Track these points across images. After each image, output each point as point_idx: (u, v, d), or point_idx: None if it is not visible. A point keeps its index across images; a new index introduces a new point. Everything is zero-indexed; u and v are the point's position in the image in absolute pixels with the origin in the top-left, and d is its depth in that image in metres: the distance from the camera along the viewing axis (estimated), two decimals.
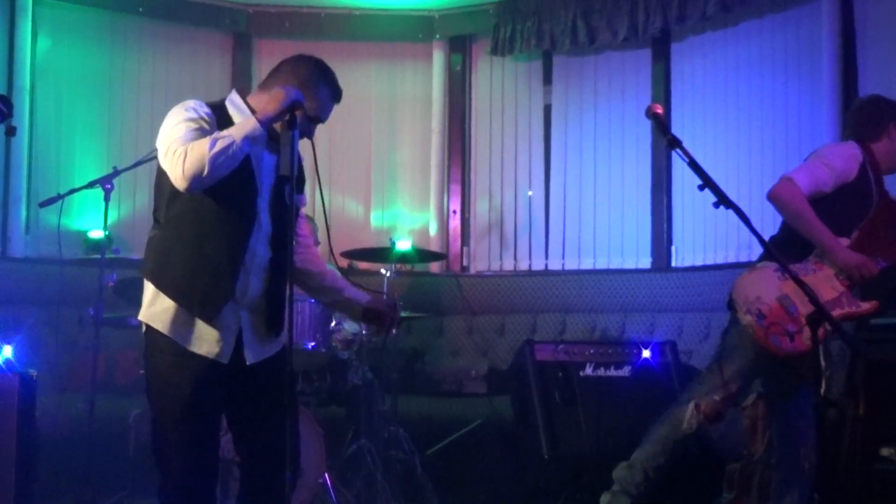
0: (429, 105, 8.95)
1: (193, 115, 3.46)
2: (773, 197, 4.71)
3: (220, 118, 3.54)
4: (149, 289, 3.58)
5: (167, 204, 3.56)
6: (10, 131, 3.42)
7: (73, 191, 6.07)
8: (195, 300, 3.50)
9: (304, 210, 3.90)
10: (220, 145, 3.32)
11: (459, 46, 9.02)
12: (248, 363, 3.56)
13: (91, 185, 5.98)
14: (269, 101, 3.44)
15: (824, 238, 4.69)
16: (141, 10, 8.47)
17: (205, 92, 8.37)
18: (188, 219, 3.53)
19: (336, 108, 7.52)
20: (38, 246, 7.99)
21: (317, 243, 4.76)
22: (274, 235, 3.58)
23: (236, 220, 3.53)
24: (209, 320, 3.50)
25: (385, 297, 3.82)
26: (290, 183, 3.35)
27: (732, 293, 4.70)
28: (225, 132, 3.38)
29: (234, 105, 3.63)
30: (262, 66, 8.52)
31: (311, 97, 3.59)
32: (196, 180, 3.34)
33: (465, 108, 8.93)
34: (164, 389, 3.52)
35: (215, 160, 3.30)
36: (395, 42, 8.96)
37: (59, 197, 5.96)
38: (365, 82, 8.98)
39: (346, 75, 8.13)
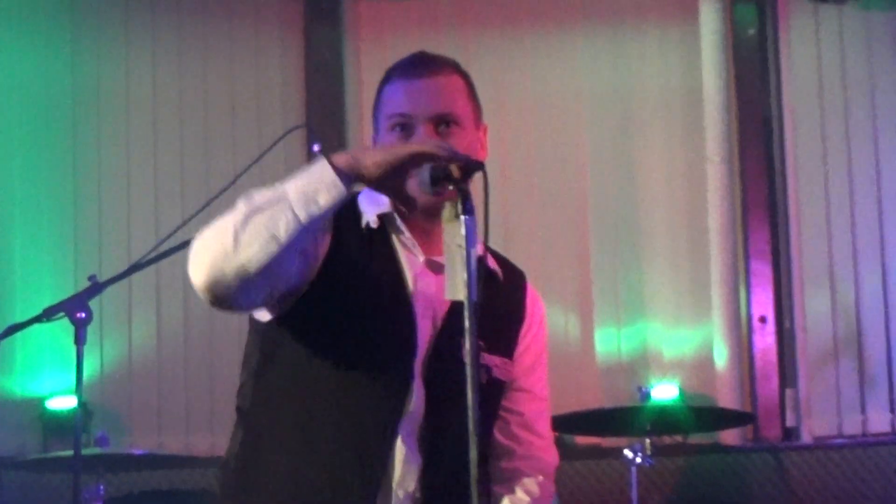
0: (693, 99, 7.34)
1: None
2: None
3: (343, 216, 3.05)
4: None
5: (254, 379, 3.14)
6: None
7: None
8: None
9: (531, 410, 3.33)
10: (256, 200, 2.80)
11: None
12: None
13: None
14: (385, 144, 3.07)
15: None
16: None
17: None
18: (289, 402, 3.08)
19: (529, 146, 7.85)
20: None
21: None
22: (436, 427, 3.05)
23: (372, 399, 3.03)
24: None
25: None
26: (469, 316, 2.74)
27: None
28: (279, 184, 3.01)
29: (371, 197, 3.15)
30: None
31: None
32: (213, 276, 2.78)
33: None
34: None
35: (245, 229, 2.76)
36: None
37: None
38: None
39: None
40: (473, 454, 2.83)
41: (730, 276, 7.23)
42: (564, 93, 7.57)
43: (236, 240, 2.77)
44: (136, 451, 6.52)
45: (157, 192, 7.22)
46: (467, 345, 2.80)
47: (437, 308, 3.06)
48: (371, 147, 2.98)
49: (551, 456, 3.37)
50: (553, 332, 6.96)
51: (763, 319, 7.23)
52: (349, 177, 2.80)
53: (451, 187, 2.82)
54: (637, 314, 7.46)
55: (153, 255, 4.89)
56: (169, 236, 4.74)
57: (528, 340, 3.28)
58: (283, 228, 2.78)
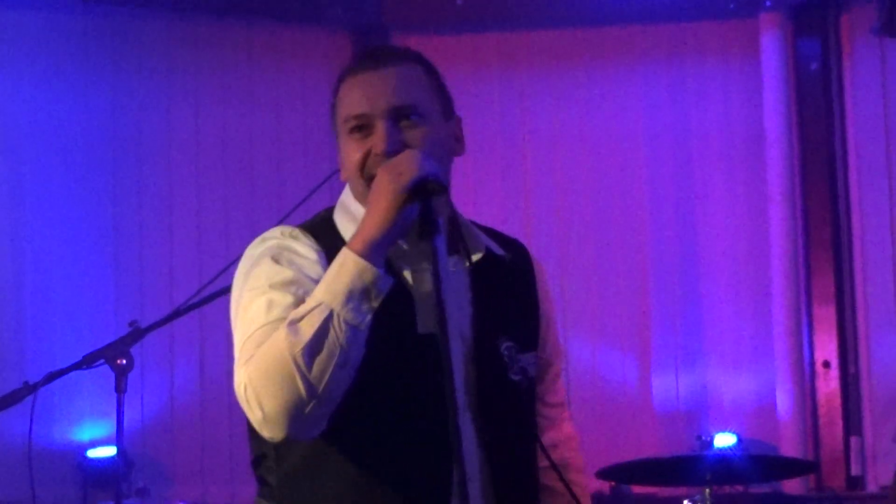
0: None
1: (284, 264, 2.78)
2: None
3: (331, 247, 2.79)
4: None
5: (275, 451, 2.86)
6: None
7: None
8: None
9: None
10: (306, 331, 2.58)
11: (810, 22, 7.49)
12: None
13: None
14: (371, 202, 2.68)
15: None
16: None
17: None
18: (326, 474, 2.82)
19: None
20: None
21: None
22: (498, 463, 2.85)
23: (419, 457, 2.79)
24: None
25: None
26: (443, 351, 2.57)
27: None
28: (313, 298, 2.64)
29: (348, 213, 2.88)
30: None
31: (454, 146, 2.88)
32: (295, 425, 2.61)
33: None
34: None
35: (311, 367, 2.58)
36: None
37: None
38: None
39: None
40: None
41: (792, 319, 7.26)
42: (622, 131, 7.59)
43: (308, 383, 2.62)
44: (179, 503, 6.61)
45: (199, 235, 7.24)
46: (453, 373, 2.62)
47: (462, 322, 2.84)
48: (363, 216, 2.73)
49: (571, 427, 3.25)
50: (609, 379, 7.40)
51: (827, 364, 7.25)
52: (379, 257, 2.64)
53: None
54: (696, 359, 7.49)
55: (196, 299, 4.95)
56: (212, 280, 4.85)
57: (546, 319, 3.11)
58: (348, 346, 2.62)
